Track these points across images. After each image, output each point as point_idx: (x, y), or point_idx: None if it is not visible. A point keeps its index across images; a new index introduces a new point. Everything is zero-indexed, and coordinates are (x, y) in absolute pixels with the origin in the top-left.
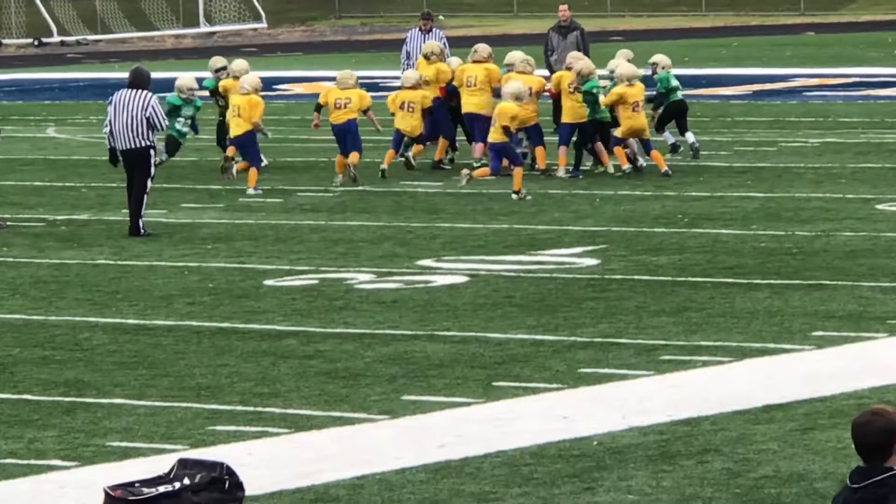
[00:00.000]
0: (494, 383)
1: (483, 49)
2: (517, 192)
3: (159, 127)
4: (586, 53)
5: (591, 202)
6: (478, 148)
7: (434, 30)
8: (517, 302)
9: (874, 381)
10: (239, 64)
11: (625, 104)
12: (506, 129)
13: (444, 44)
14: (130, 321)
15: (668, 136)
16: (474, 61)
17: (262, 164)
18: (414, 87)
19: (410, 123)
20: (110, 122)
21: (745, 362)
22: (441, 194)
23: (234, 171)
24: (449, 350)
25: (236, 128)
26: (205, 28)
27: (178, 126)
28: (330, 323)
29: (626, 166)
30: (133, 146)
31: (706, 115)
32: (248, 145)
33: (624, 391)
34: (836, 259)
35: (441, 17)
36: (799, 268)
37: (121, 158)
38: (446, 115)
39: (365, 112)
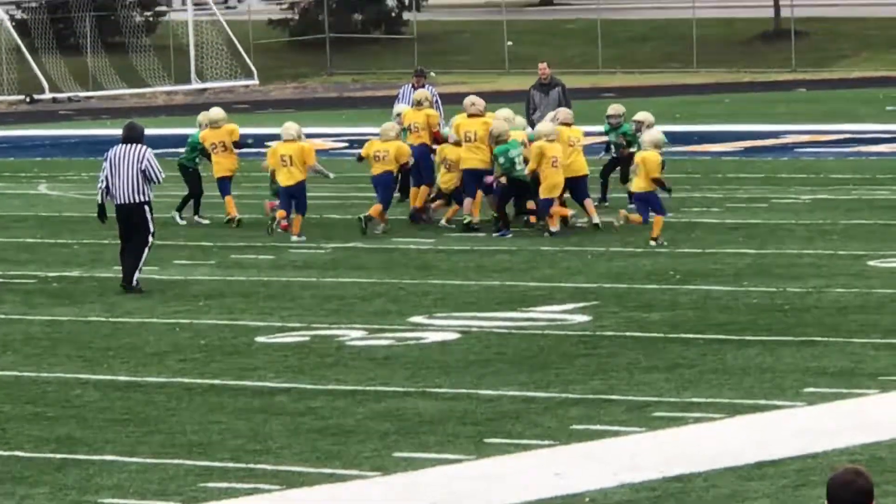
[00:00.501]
0: (486, 440)
1: (480, 102)
2: (655, 240)
3: (156, 180)
4: (568, 107)
5: (582, 259)
6: (468, 203)
7: (427, 86)
8: (509, 358)
9: (866, 437)
10: (215, 112)
11: (545, 161)
12: (657, 180)
13: (437, 100)
14: (122, 378)
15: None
16: (471, 115)
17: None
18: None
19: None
20: (107, 178)
21: (736, 419)
22: (433, 251)
23: (278, 224)
24: (440, 407)
25: (288, 178)
26: (196, 85)
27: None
28: (321, 379)
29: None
30: (131, 201)
31: (697, 172)
32: (300, 195)
33: (616, 448)
34: (827, 315)
35: (433, 74)
36: (790, 324)
37: (115, 214)
38: (432, 164)
39: (403, 165)
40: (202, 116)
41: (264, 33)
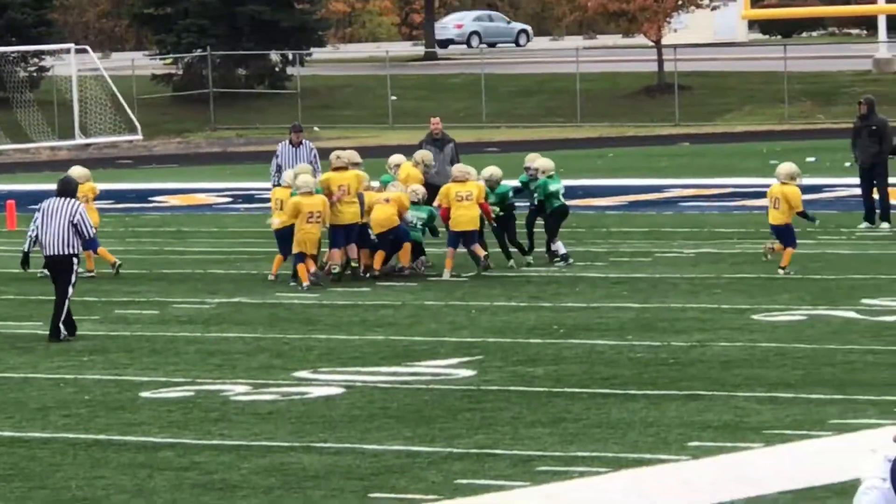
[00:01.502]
0: (371, 494)
1: (344, 155)
2: (783, 268)
3: (86, 234)
4: (457, 162)
5: (466, 313)
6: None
7: (304, 142)
8: (393, 413)
9: (750, 491)
10: (76, 170)
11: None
12: (802, 213)
13: (315, 156)
14: (6, 433)
15: (560, 246)
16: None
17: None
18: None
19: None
20: (37, 227)
21: (621, 473)
22: (317, 305)
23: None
24: (325, 461)
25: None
26: (80, 140)
27: None
28: (206, 435)
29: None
30: (60, 253)
31: (581, 226)
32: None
33: (500, 502)
34: (711, 369)
35: (316, 129)
36: (675, 378)
37: (45, 264)
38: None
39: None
40: (76, 171)
41: (148, 88)
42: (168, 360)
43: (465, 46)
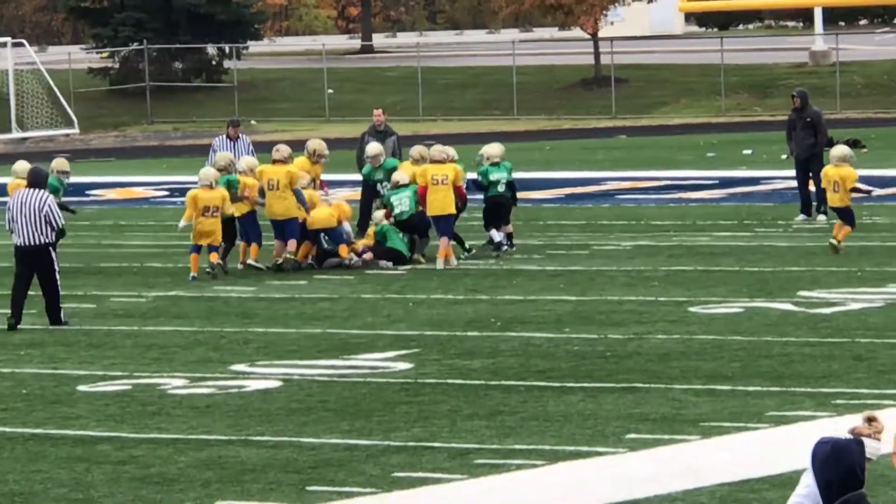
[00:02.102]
0: (308, 488)
1: (283, 149)
2: (838, 243)
3: (55, 225)
4: (400, 158)
5: (404, 306)
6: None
7: (241, 136)
8: (331, 406)
9: (688, 484)
10: (21, 164)
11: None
12: (855, 189)
13: (251, 151)
14: None
15: (494, 234)
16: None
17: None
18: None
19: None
20: (10, 220)
21: (558, 465)
22: (254, 299)
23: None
24: (263, 455)
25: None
26: (17, 134)
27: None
28: (143, 428)
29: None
30: (34, 243)
31: (518, 219)
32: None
33: (437, 495)
34: (648, 362)
35: (253, 122)
36: (612, 371)
37: (15, 254)
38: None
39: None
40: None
41: (85, 82)
42: (105, 354)
43: (399, 40)
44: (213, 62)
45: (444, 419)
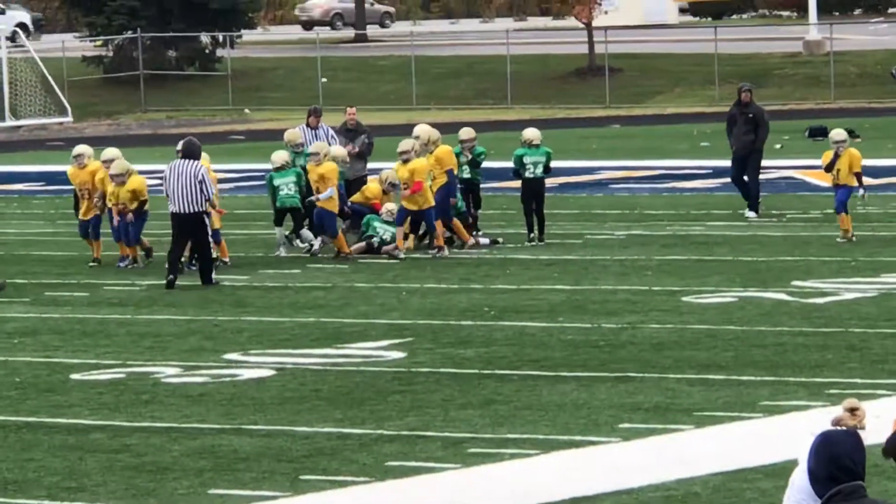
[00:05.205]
0: (301, 477)
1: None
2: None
3: (208, 194)
4: (368, 154)
5: (397, 295)
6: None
7: (322, 125)
8: (324, 395)
9: (681, 473)
10: (111, 152)
11: None
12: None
13: (333, 138)
14: None
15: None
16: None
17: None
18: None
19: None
20: (166, 188)
21: (552, 455)
22: (247, 287)
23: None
24: (256, 444)
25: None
26: (10, 122)
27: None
28: (137, 417)
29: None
30: (187, 211)
31: (512, 208)
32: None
33: (431, 484)
34: (642, 351)
35: (247, 111)
36: (605, 360)
37: (171, 220)
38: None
39: None
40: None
41: (78, 70)
42: (99, 343)
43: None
44: (207, 51)
45: (437, 408)
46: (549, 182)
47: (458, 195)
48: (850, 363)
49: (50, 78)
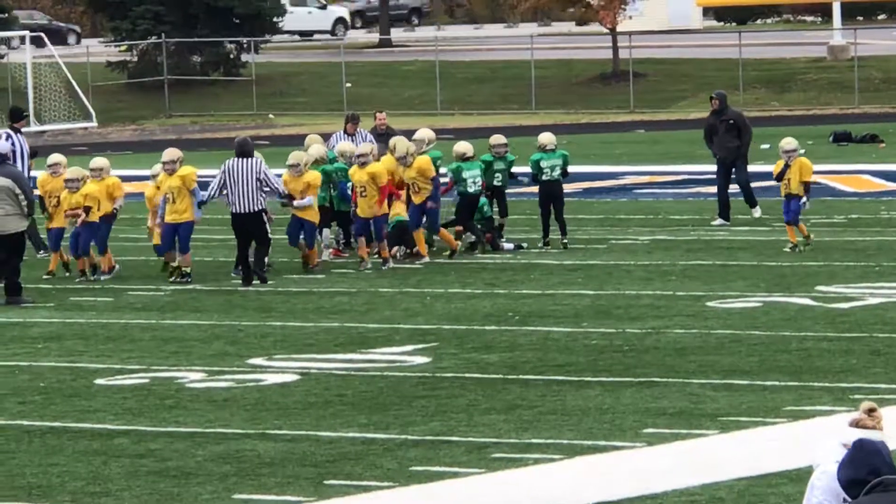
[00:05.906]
0: (326, 481)
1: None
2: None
3: (273, 188)
4: None
5: (421, 300)
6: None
7: (360, 131)
8: (348, 400)
9: (705, 478)
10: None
11: None
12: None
13: (371, 140)
14: None
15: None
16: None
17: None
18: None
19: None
20: (225, 188)
21: (576, 460)
22: (272, 293)
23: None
24: (280, 448)
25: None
26: (35, 127)
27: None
28: (161, 422)
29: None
30: (248, 210)
31: (535, 213)
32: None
33: (455, 489)
34: (666, 356)
35: (271, 116)
36: (630, 365)
37: (232, 221)
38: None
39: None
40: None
41: (103, 75)
42: (123, 348)
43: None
44: (231, 56)
45: (461, 413)
46: (574, 187)
47: (484, 199)
48: (875, 368)
49: (74, 83)
